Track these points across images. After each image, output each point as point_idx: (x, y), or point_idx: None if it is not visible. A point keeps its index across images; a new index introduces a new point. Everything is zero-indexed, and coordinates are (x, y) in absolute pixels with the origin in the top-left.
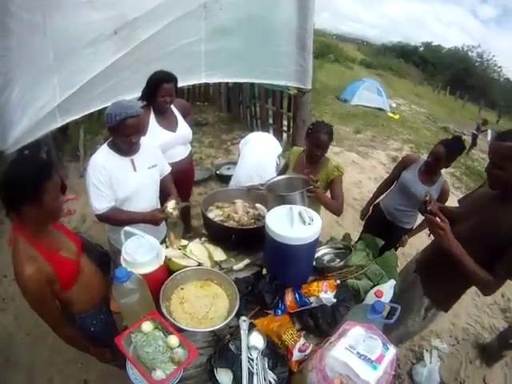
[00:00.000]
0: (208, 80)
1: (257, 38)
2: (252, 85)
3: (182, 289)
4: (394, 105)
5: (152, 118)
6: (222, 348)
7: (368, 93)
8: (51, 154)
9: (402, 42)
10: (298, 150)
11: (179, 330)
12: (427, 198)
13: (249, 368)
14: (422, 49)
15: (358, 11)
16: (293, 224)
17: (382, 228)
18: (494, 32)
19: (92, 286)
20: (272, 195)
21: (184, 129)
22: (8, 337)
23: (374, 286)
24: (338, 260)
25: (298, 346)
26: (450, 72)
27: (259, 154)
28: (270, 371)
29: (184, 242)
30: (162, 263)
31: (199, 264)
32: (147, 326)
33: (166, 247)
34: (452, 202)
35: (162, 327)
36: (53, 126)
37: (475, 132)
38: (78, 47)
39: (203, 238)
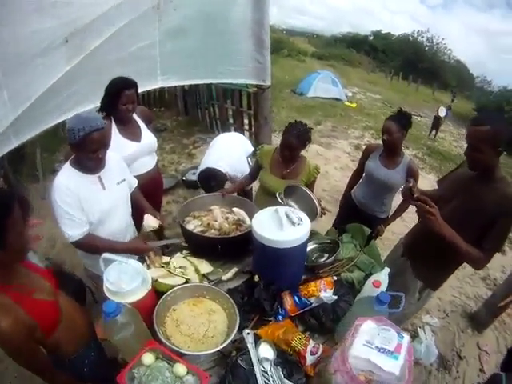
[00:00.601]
0: (164, 84)
1: (213, 37)
2: (209, 85)
3: (175, 310)
4: (349, 94)
5: (114, 129)
6: (232, 366)
7: (323, 84)
8: (8, 178)
9: (351, 32)
10: (270, 149)
11: (181, 355)
12: (410, 185)
13: (265, 382)
14: (371, 38)
15: (306, 4)
16: (282, 227)
17: (355, 219)
18: (442, 16)
19: (76, 324)
20: None
21: (149, 137)
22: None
23: (367, 275)
24: (327, 255)
25: (309, 349)
26: (401, 58)
27: (229, 146)
28: (287, 380)
29: (165, 258)
30: (150, 287)
31: (186, 280)
32: (148, 357)
33: (148, 267)
34: (422, 182)
35: (163, 356)
36: (7, 149)
37: (439, 116)
38: (27, 59)
39: (184, 251)
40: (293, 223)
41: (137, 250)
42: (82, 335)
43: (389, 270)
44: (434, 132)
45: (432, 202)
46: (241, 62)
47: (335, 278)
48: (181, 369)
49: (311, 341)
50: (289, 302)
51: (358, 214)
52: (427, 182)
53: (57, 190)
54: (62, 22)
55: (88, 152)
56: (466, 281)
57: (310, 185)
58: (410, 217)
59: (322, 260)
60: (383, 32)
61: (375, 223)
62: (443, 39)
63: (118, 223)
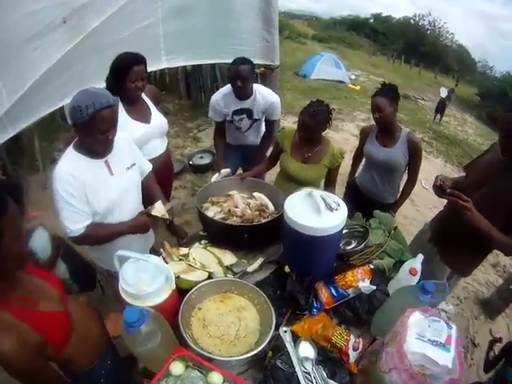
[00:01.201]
0: (169, 65)
1: (219, 15)
2: (213, 67)
3: (200, 309)
4: (352, 77)
5: (122, 110)
6: (271, 370)
7: (326, 66)
8: (7, 170)
9: (351, 14)
10: (290, 131)
11: (209, 360)
12: (440, 182)
13: None
14: (372, 20)
15: None
16: (320, 212)
17: (362, 206)
18: (442, 0)
19: (90, 332)
20: None
21: (159, 119)
22: None
23: (396, 262)
24: (354, 242)
25: (351, 344)
26: (403, 41)
27: None
28: (330, 381)
29: (183, 250)
30: (174, 286)
31: (209, 275)
32: (177, 367)
33: (164, 260)
34: (430, 167)
35: (194, 364)
36: (4, 138)
37: (444, 99)
38: (22, 42)
39: (203, 241)
40: (330, 208)
41: (141, 226)
42: (97, 344)
43: (423, 257)
44: (438, 116)
45: (461, 190)
46: (248, 41)
47: (371, 266)
48: (216, 378)
49: (352, 336)
50: (325, 294)
51: (364, 201)
52: (435, 166)
53: (58, 177)
54: (58, 2)
55: (97, 133)
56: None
57: (334, 170)
58: (421, 201)
59: (351, 247)
60: (384, 15)
61: (384, 209)
62: (445, 23)
63: (127, 213)
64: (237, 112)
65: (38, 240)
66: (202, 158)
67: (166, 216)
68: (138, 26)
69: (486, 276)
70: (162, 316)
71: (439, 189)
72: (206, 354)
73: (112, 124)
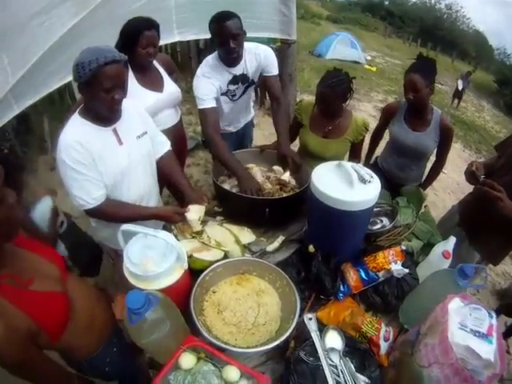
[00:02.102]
0: (181, 38)
1: None
2: None
3: (215, 292)
4: (368, 57)
5: (131, 78)
6: (294, 362)
7: (342, 46)
8: (15, 150)
9: None
10: (308, 103)
11: (224, 350)
12: (473, 169)
13: (335, 379)
14: (387, 2)
15: None
16: (353, 184)
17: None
18: None
19: (94, 317)
20: None
21: (172, 87)
22: None
23: (425, 245)
24: (380, 221)
25: (382, 334)
26: (419, 24)
27: None
28: (359, 375)
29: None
30: (187, 266)
31: (225, 254)
32: (188, 359)
33: (175, 238)
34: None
35: (207, 356)
36: (9, 116)
37: (461, 82)
38: (27, 18)
39: (218, 217)
40: (363, 180)
41: (169, 217)
42: (102, 330)
43: (455, 240)
44: (456, 101)
45: (492, 171)
46: (264, 14)
47: (403, 247)
48: (233, 372)
49: (382, 324)
50: (353, 277)
51: (386, 184)
52: (454, 150)
53: (64, 146)
54: None
55: (101, 91)
56: None
57: (358, 144)
58: (440, 185)
59: (378, 227)
60: None
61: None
62: (462, 7)
63: (137, 186)
64: (232, 82)
65: (39, 209)
66: None
67: (198, 224)
68: None
69: (502, 266)
70: (171, 301)
71: (472, 176)
72: (221, 344)
73: (118, 82)
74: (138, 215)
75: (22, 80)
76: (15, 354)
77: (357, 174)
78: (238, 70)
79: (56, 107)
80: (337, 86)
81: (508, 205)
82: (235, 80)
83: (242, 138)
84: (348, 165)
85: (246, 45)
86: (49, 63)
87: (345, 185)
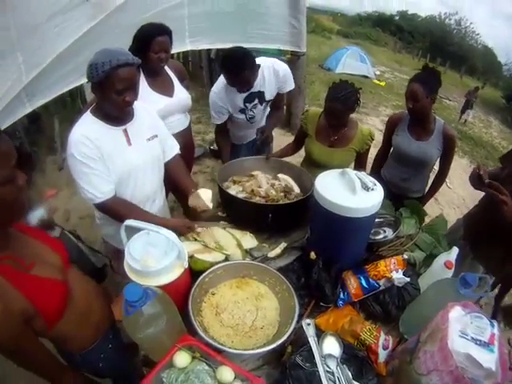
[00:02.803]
0: (193, 47)
1: None
2: None
3: (214, 294)
4: (377, 72)
5: (143, 81)
6: (290, 367)
7: (352, 60)
8: (24, 148)
9: (377, 11)
10: (315, 112)
11: (219, 352)
12: (480, 172)
13: None
14: (397, 18)
15: None
16: (355, 191)
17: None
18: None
19: (90, 310)
20: None
21: (182, 93)
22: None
23: (427, 257)
24: (383, 232)
25: (381, 342)
26: (428, 40)
27: None
28: (356, 383)
29: (200, 229)
30: (187, 265)
31: (226, 257)
32: (182, 358)
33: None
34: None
35: (202, 356)
36: (21, 113)
37: (469, 98)
38: (44, 19)
39: (222, 222)
40: (366, 188)
41: (182, 228)
42: (98, 324)
43: (458, 251)
44: (464, 116)
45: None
46: (275, 26)
47: (405, 256)
48: (227, 373)
49: (382, 332)
50: (354, 284)
51: (389, 195)
52: (460, 166)
53: (74, 141)
54: None
55: (113, 92)
56: None
57: (364, 154)
58: (445, 200)
59: (380, 237)
60: (410, 12)
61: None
62: (471, 23)
63: (143, 187)
64: (248, 99)
65: (28, 220)
66: None
67: (209, 203)
68: (163, 6)
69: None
70: (169, 298)
71: (478, 179)
72: (217, 345)
73: (130, 84)
74: (147, 220)
75: (36, 79)
76: (10, 335)
77: (360, 182)
78: (254, 88)
79: (67, 109)
80: (347, 99)
81: None
82: (251, 97)
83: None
84: (352, 172)
85: (264, 61)
86: (63, 65)
87: (348, 192)
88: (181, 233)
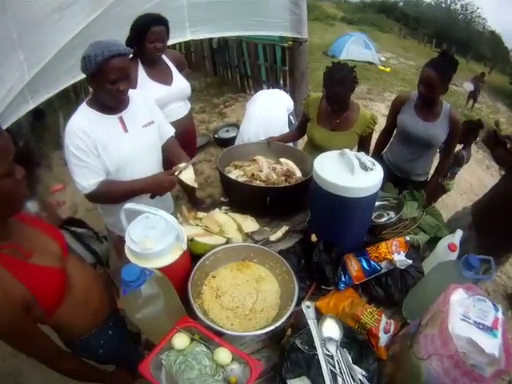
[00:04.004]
0: (194, 37)
1: None
2: (240, 43)
3: (214, 277)
4: (382, 58)
5: (141, 71)
6: (289, 350)
7: (356, 47)
8: (30, 145)
9: None
10: (316, 97)
11: (221, 334)
12: (496, 128)
13: (330, 369)
14: (401, 4)
15: None
16: (354, 171)
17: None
18: None
19: (91, 298)
20: None
21: (181, 81)
22: (14, 357)
23: (431, 240)
24: (387, 215)
25: (382, 326)
26: (434, 25)
27: (266, 110)
28: (356, 366)
29: (201, 214)
30: (186, 247)
31: (227, 241)
32: (181, 339)
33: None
34: None
35: (201, 338)
36: (24, 110)
37: (476, 84)
38: (44, 15)
39: (224, 207)
40: (365, 167)
41: (159, 183)
42: (97, 311)
43: (462, 233)
44: (471, 102)
45: None
46: (275, 13)
47: (407, 238)
48: (224, 355)
49: (383, 316)
50: (355, 266)
51: (392, 179)
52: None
53: (69, 132)
54: None
55: (106, 82)
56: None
57: (366, 138)
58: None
59: (384, 220)
60: None
61: (416, 189)
62: (477, 8)
63: (141, 174)
64: None
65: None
66: (227, 131)
67: (193, 182)
68: None
69: None
70: (167, 279)
71: (494, 136)
72: (216, 327)
73: (123, 74)
74: (132, 190)
75: (38, 76)
76: (10, 320)
77: (358, 162)
78: None
79: (71, 104)
80: (344, 80)
81: None
82: None
83: None
84: (350, 153)
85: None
86: (64, 61)
87: (346, 172)
88: (166, 187)
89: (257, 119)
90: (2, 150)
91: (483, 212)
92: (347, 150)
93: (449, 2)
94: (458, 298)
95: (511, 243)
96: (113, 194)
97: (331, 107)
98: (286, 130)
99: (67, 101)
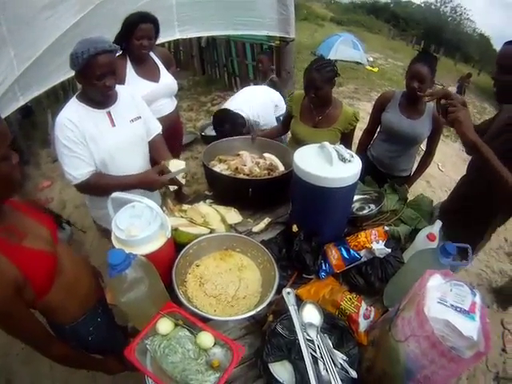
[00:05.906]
0: (182, 36)
1: None
2: (228, 42)
3: (198, 266)
4: (370, 59)
5: (129, 68)
6: (270, 335)
7: (344, 47)
8: (18, 143)
9: None
10: (300, 94)
11: (205, 321)
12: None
13: (310, 353)
14: (392, 5)
15: None
16: (332, 162)
17: (375, 182)
18: None
19: (79, 282)
20: None
21: (167, 78)
22: (5, 355)
23: (413, 231)
24: (368, 207)
25: (362, 312)
26: (423, 27)
27: (255, 89)
28: (336, 351)
29: (186, 206)
30: (170, 235)
31: (211, 231)
32: (165, 324)
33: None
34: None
35: (185, 323)
36: (14, 106)
37: (461, 83)
38: (34, 12)
39: (208, 200)
40: (343, 159)
41: (149, 183)
42: (86, 297)
43: (441, 224)
44: None
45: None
46: (263, 13)
47: (386, 228)
48: (207, 338)
49: (363, 302)
50: (335, 255)
51: (375, 175)
52: (452, 150)
53: (59, 124)
54: None
55: (93, 78)
56: (491, 255)
57: (349, 134)
58: (437, 183)
59: (365, 212)
60: (404, 0)
61: (399, 184)
62: (465, 9)
63: (127, 168)
64: None
65: None
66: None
67: (181, 179)
68: None
69: (499, 264)
70: (151, 265)
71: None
72: (200, 313)
73: (109, 70)
74: (122, 184)
75: (28, 73)
76: (2, 303)
77: (337, 153)
78: None
79: (60, 103)
80: (322, 68)
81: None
82: None
83: None
84: (329, 145)
85: None
86: (55, 57)
87: (325, 163)
88: (153, 185)
89: (243, 95)
90: (1, 135)
91: (446, 208)
92: (326, 143)
93: (438, 4)
94: (435, 283)
95: (473, 239)
96: (103, 186)
97: (310, 99)
98: (271, 112)
99: (56, 99)
